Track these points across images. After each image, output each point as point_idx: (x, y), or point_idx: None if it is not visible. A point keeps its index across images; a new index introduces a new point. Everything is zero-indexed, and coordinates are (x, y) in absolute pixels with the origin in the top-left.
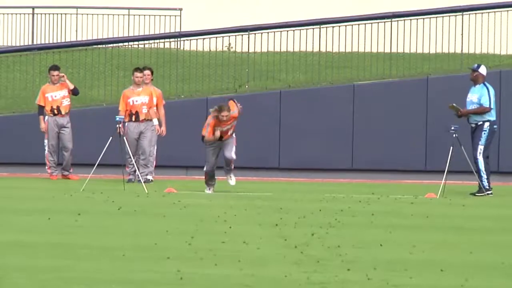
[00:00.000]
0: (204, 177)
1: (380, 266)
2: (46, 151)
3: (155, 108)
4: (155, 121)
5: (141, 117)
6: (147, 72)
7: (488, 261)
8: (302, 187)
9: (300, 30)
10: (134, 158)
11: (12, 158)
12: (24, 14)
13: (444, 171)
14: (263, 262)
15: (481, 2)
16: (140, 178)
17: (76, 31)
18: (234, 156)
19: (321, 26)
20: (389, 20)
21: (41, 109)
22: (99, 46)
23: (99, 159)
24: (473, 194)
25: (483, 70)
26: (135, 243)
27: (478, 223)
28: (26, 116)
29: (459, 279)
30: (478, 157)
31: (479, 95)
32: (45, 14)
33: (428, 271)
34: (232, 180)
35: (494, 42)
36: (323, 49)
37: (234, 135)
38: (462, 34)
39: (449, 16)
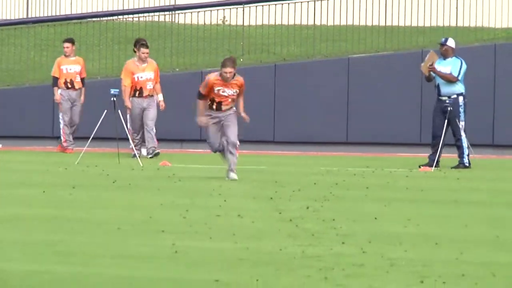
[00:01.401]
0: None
1: (375, 239)
2: (61, 125)
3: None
4: (160, 97)
5: (145, 93)
6: (145, 50)
7: (483, 235)
8: (297, 161)
9: (295, 3)
10: (139, 134)
11: (6, 131)
12: None
13: (440, 146)
14: (258, 235)
15: None
16: (145, 152)
17: (71, 4)
18: (237, 141)
19: None
20: None
21: (55, 80)
22: (93, 19)
23: (94, 132)
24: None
25: (451, 43)
26: (130, 217)
27: (473, 196)
28: (21, 89)
29: (454, 253)
30: (461, 133)
31: (452, 67)
32: None
33: (423, 244)
34: (233, 175)
35: (489, 16)
36: (318, 22)
37: (234, 108)
38: (456, 8)
39: None
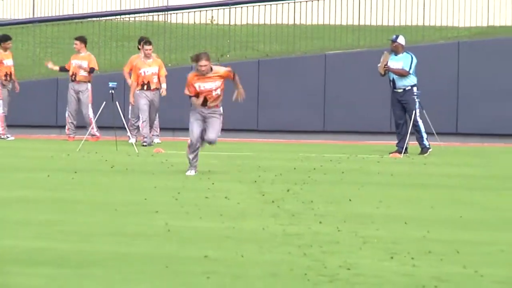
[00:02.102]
0: (187, 150)
1: (349, 219)
2: (67, 115)
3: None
4: (164, 85)
5: (152, 86)
6: (148, 47)
7: (448, 215)
8: (279, 147)
9: (276, 4)
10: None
11: (14, 121)
12: None
13: (408, 133)
14: (243, 215)
15: None
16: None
17: (73, 5)
18: (216, 139)
19: (296, 1)
20: None
21: (66, 71)
22: (94, 19)
23: (94, 122)
24: (420, 154)
25: (401, 40)
26: (126, 199)
27: (439, 180)
28: (27, 82)
29: (421, 231)
30: (418, 119)
31: (403, 62)
32: None
33: (393, 223)
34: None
35: (453, 16)
36: (297, 22)
37: (221, 109)
38: (424, 8)
39: None
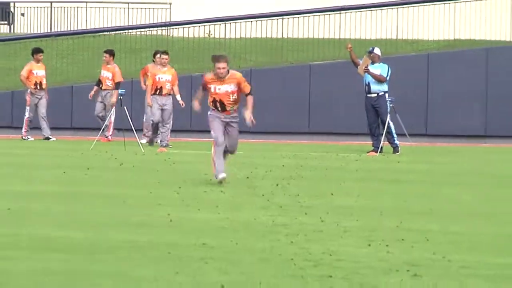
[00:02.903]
0: (213, 154)
1: (332, 211)
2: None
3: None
4: (179, 97)
5: (164, 92)
6: (164, 56)
7: (419, 207)
8: (269, 147)
9: (266, 20)
10: (156, 124)
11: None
12: (44, 7)
13: (383, 134)
14: (237, 207)
15: None
16: (159, 141)
17: (86, 21)
18: (236, 152)
19: (283, 17)
20: (338, 12)
21: (98, 81)
22: (104, 33)
23: (105, 124)
24: (393, 153)
25: (377, 51)
26: (133, 192)
27: (411, 176)
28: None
29: (395, 221)
30: (390, 121)
31: (381, 70)
32: (61, 7)
33: (370, 215)
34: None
35: (423, 30)
36: (285, 36)
37: (237, 124)
38: (397, 24)
39: (386, 9)
